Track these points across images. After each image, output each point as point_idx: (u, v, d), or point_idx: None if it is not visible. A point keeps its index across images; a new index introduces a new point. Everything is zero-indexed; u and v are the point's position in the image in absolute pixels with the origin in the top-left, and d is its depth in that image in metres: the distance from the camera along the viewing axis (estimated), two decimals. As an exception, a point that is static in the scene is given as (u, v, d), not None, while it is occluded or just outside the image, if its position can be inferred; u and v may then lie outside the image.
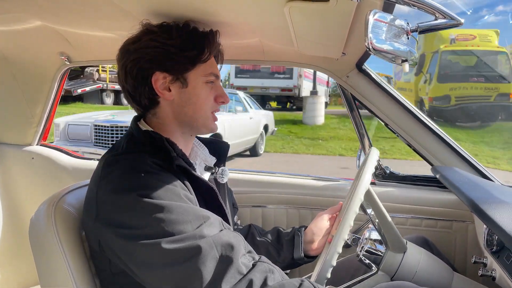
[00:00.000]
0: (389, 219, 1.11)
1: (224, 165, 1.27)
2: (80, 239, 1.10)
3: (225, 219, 1.08)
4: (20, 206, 2.03)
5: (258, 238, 1.40)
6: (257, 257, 0.97)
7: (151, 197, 0.91)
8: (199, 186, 1.06)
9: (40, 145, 2.17)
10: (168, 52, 1.06)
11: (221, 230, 0.94)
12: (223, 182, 1.25)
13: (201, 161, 1.24)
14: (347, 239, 1.21)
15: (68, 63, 1.84)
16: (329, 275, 0.95)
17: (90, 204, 1.00)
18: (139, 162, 0.99)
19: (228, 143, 1.36)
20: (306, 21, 1.10)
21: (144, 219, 0.90)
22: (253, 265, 0.92)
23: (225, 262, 0.88)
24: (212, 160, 1.26)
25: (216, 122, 1.18)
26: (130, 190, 0.93)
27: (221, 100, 1.16)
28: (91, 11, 1.19)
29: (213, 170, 1.23)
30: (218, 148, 1.30)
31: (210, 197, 1.09)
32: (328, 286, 0.98)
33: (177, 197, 0.94)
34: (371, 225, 1.20)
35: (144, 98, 1.10)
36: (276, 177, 1.94)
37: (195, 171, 1.07)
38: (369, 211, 1.14)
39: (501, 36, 12.54)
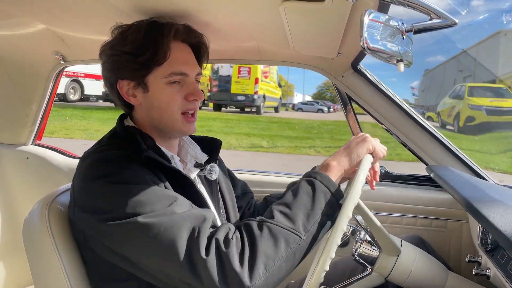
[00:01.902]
0: (381, 226, 1.10)
1: (216, 162, 1.26)
2: (74, 238, 1.09)
3: (206, 207, 1.08)
4: (14, 206, 2.02)
5: None
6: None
7: (119, 182, 0.94)
8: (174, 177, 1.05)
9: (35, 144, 2.16)
10: (124, 60, 1.08)
11: (191, 208, 0.97)
12: (212, 179, 1.25)
13: (192, 158, 1.23)
14: (347, 231, 1.21)
15: (63, 62, 1.84)
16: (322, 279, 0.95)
17: (70, 196, 1.05)
18: (109, 154, 1.01)
19: (221, 140, 1.34)
20: (302, 21, 1.11)
21: (114, 202, 0.93)
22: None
23: (199, 230, 0.90)
24: (203, 157, 1.25)
25: (190, 124, 1.14)
26: (98, 177, 0.96)
27: (192, 98, 1.11)
28: (86, 10, 1.18)
29: (202, 167, 1.23)
30: (210, 145, 1.30)
31: (187, 186, 1.08)
32: (322, 286, 0.98)
33: (144, 180, 0.96)
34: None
35: (120, 104, 1.15)
36: (274, 177, 1.95)
37: (170, 163, 1.07)
38: (359, 218, 1.14)
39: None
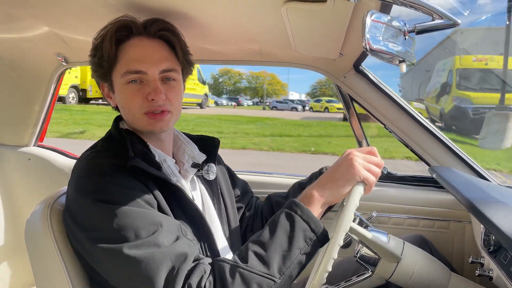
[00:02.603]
0: (378, 240, 1.09)
1: (214, 162, 1.25)
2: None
3: (195, 213, 1.07)
4: (16, 207, 2.02)
5: (284, 201, 1.39)
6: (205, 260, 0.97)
7: (107, 202, 0.93)
8: (164, 184, 1.04)
9: (37, 146, 2.16)
10: (91, 63, 1.13)
11: (177, 239, 0.93)
12: (209, 179, 1.23)
13: (189, 158, 1.22)
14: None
15: (64, 64, 1.84)
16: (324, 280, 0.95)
17: (65, 198, 1.06)
18: (97, 163, 1.01)
19: (219, 139, 1.32)
20: (303, 22, 1.10)
21: (100, 223, 0.92)
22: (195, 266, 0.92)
23: (177, 271, 0.88)
24: (201, 157, 1.23)
25: (156, 122, 1.07)
26: (88, 193, 0.95)
27: (150, 97, 1.05)
28: (86, 10, 1.19)
29: (200, 167, 1.21)
30: (207, 144, 1.28)
31: (177, 194, 1.06)
32: (324, 285, 0.98)
33: (133, 201, 0.94)
34: (369, 227, 1.20)
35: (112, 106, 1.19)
36: (275, 177, 1.94)
37: (160, 168, 1.07)
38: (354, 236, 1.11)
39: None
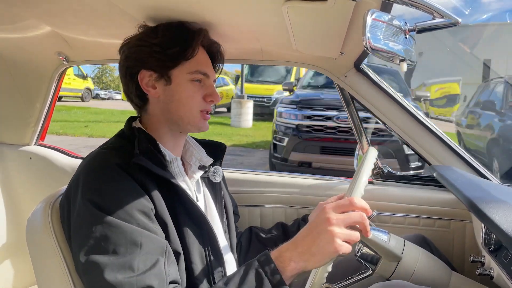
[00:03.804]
0: (378, 240, 1.09)
1: (220, 166, 1.28)
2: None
3: (198, 215, 1.08)
4: (18, 206, 2.03)
5: (264, 236, 1.43)
6: None
7: (98, 207, 0.93)
8: (167, 183, 1.05)
9: (38, 145, 2.16)
10: (152, 51, 1.11)
11: (156, 262, 0.91)
12: (216, 181, 1.26)
13: (196, 161, 1.24)
14: None
15: (66, 63, 1.84)
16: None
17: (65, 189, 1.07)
18: (102, 162, 1.01)
19: (225, 144, 1.36)
20: (304, 21, 1.10)
21: (86, 224, 0.93)
22: None
23: None
24: (208, 161, 1.26)
25: (205, 121, 1.18)
26: (83, 190, 0.96)
27: (210, 99, 1.16)
28: (89, 11, 1.19)
29: (206, 169, 1.24)
30: (214, 149, 1.31)
31: (179, 194, 1.07)
32: (324, 283, 0.98)
33: (122, 211, 0.93)
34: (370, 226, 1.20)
35: (135, 96, 1.16)
36: (274, 176, 1.94)
37: (165, 167, 1.07)
38: None
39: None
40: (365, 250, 1.15)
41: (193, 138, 1.32)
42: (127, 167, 1.00)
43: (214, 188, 1.28)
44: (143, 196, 0.98)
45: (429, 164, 1.70)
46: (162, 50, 1.10)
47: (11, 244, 1.95)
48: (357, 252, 1.16)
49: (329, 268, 0.92)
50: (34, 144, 2.14)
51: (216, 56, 1.26)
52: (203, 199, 1.25)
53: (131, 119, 1.19)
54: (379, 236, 1.10)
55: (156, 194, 1.01)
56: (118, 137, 1.14)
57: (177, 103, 1.13)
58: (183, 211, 1.06)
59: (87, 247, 0.91)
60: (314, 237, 0.89)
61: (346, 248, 0.88)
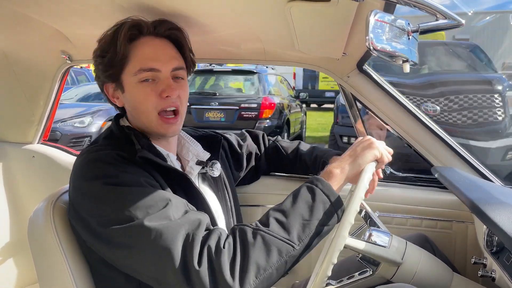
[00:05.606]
0: (375, 250, 1.10)
1: (218, 159, 1.26)
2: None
3: (204, 204, 1.09)
4: (20, 204, 2.03)
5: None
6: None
7: (113, 184, 0.94)
8: (170, 175, 1.06)
9: (41, 143, 2.17)
10: (97, 64, 1.11)
11: (186, 212, 0.95)
12: (214, 176, 1.25)
13: (193, 156, 1.23)
14: (361, 215, 1.22)
15: (69, 61, 1.84)
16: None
17: (68, 195, 1.06)
18: (104, 154, 1.01)
19: (221, 135, 1.34)
20: (307, 21, 1.11)
21: (108, 206, 0.93)
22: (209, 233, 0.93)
23: (193, 237, 0.89)
24: (205, 155, 1.25)
25: (169, 125, 1.10)
26: (92, 178, 0.96)
27: (165, 94, 1.07)
28: (93, 10, 1.19)
29: (204, 165, 1.23)
30: (210, 142, 1.30)
31: (185, 184, 1.08)
32: (327, 281, 0.99)
33: (138, 183, 0.95)
34: (372, 226, 1.20)
35: (115, 107, 1.18)
36: (275, 176, 1.94)
37: (166, 161, 1.08)
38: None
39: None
40: (364, 255, 1.15)
41: (188, 133, 1.31)
42: (130, 160, 1.01)
43: (216, 181, 1.27)
44: (152, 179, 1.00)
45: (431, 165, 1.70)
46: (101, 60, 1.09)
47: (13, 242, 1.95)
48: (359, 253, 1.16)
49: (335, 260, 0.93)
50: (37, 143, 2.15)
51: (178, 40, 1.15)
52: (204, 192, 1.24)
53: (118, 117, 1.18)
54: (378, 244, 1.11)
55: (162, 183, 1.02)
56: (107, 138, 1.11)
57: (135, 110, 1.11)
58: (186, 199, 1.05)
59: (120, 221, 0.90)
60: (357, 145, 1.10)
61: (383, 150, 1.09)
